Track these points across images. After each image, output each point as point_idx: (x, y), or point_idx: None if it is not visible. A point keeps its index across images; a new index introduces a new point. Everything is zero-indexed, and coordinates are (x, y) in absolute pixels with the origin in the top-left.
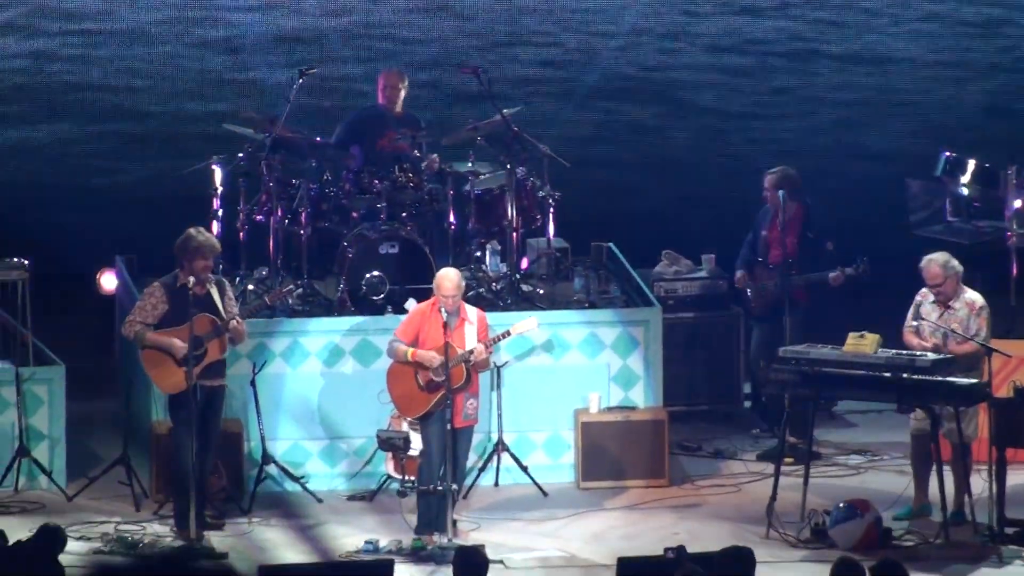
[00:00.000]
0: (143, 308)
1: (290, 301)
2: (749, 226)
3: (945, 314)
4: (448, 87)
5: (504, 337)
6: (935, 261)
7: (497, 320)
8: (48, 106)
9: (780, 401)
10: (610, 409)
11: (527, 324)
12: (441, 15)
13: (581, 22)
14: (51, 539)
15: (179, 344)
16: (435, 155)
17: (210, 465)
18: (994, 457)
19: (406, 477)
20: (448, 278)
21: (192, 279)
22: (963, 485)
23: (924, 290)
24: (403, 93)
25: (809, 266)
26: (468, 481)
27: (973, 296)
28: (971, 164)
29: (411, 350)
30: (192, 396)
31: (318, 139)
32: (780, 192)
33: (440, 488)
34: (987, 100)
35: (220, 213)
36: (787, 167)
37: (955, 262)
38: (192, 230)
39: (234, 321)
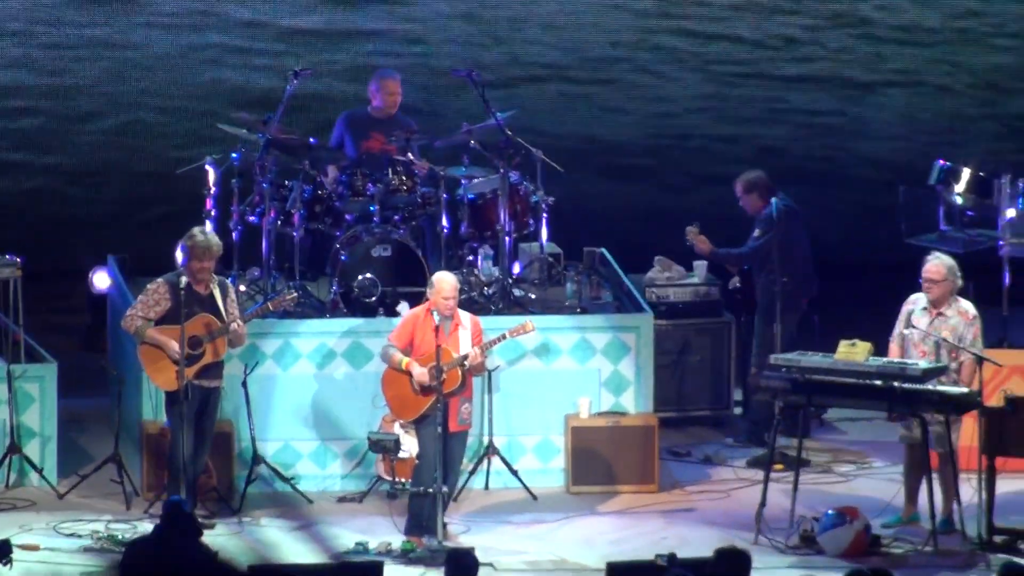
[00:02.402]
0: (145, 303)
1: (292, 308)
2: (739, 233)
3: (935, 321)
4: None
5: (500, 341)
6: (943, 261)
7: (489, 324)
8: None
9: (770, 408)
10: (600, 414)
11: (523, 328)
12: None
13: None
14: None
15: (175, 346)
16: (424, 160)
17: (202, 465)
18: (984, 465)
19: (396, 479)
20: (447, 281)
21: (183, 279)
22: (951, 493)
23: (913, 297)
24: (400, 98)
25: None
26: (459, 484)
27: (966, 305)
28: (965, 173)
29: (406, 360)
30: (184, 395)
31: (312, 140)
32: (750, 196)
33: (431, 491)
34: None
35: (213, 213)
36: (753, 171)
37: (959, 271)
38: (196, 229)
39: (235, 324)
